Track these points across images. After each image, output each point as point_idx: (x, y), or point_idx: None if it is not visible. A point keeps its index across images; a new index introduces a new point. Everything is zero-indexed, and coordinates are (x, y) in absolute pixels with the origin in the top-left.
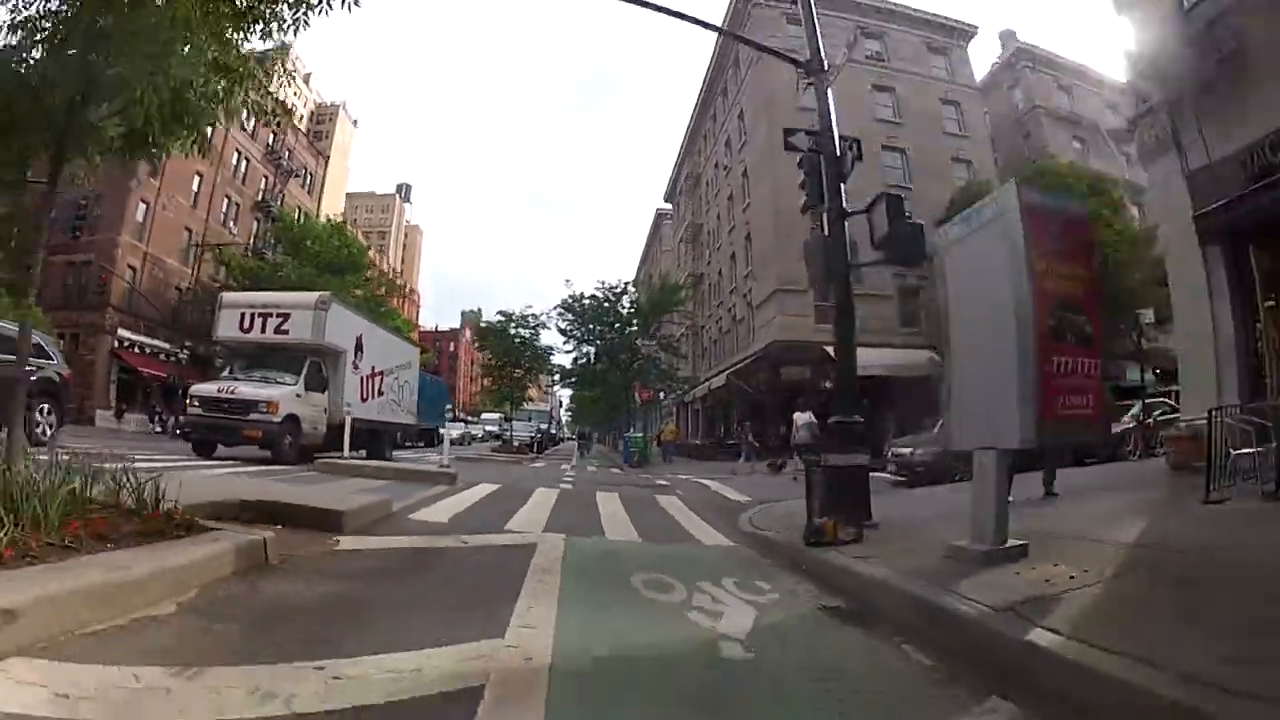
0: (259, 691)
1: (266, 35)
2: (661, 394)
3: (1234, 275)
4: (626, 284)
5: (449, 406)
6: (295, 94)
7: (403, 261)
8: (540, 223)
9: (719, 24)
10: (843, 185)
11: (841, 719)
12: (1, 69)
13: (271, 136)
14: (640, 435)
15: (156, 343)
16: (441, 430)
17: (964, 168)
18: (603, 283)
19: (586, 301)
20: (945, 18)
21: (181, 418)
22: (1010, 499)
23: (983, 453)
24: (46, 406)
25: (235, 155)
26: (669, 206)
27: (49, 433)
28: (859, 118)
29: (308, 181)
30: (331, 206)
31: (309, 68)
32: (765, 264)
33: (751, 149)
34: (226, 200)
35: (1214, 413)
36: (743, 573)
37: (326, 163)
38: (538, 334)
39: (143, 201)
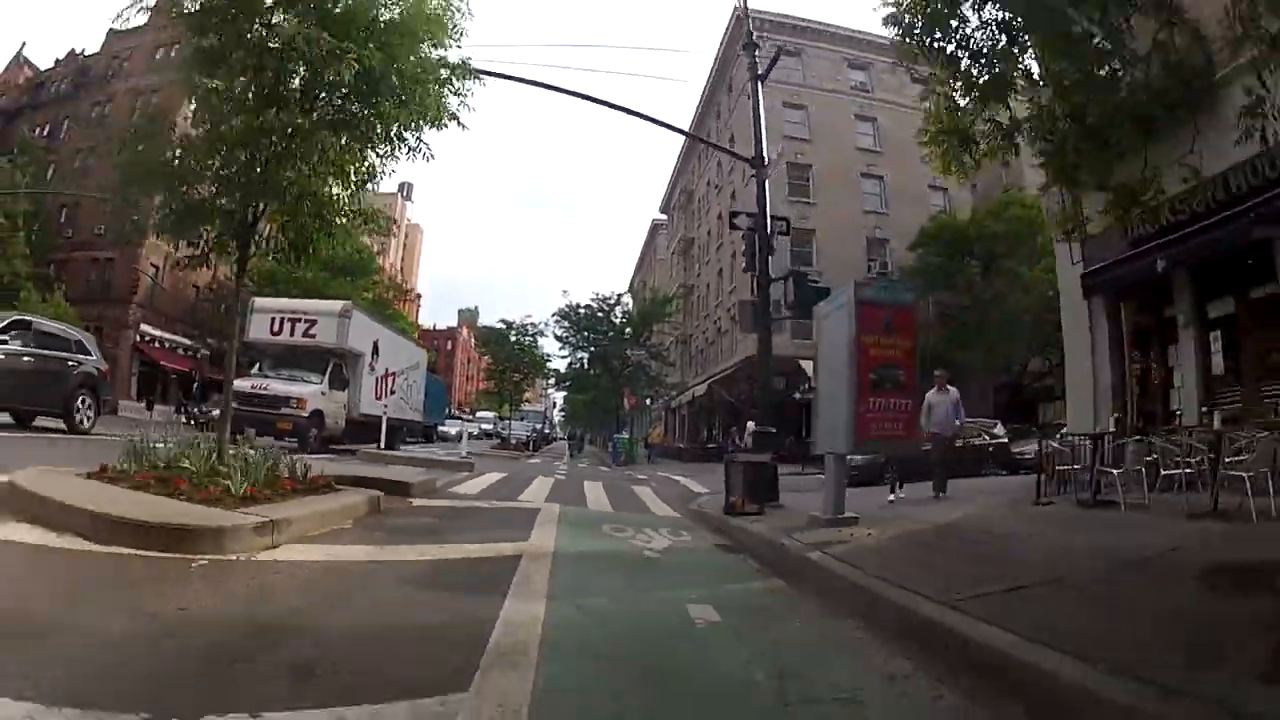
0: (412, 552)
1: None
2: (649, 400)
3: (1113, 328)
4: (619, 295)
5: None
6: None
7: (403, 260)
8: (537, 220)
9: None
10: (770, 258)
11: (695, 577)
12: (189, 174)
13: None
14: (627, 437)
15: (177, 338)
16: (441, 427)
17: (940, 195)
18: (597, 294)
19: (582, 311)
20: None
21: (203, 408)
22: (903, 496)
23: (830, 455)
24: (87, 399)
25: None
26: (664, 218)
27: (90, 421)
28: (842, 148)
29: None
30: None
31: None
32: (748, 282)
33: (739, 173)
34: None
35: (1042, 441)
36: (673, 528)
37: None
38: (536, 341)
39: None
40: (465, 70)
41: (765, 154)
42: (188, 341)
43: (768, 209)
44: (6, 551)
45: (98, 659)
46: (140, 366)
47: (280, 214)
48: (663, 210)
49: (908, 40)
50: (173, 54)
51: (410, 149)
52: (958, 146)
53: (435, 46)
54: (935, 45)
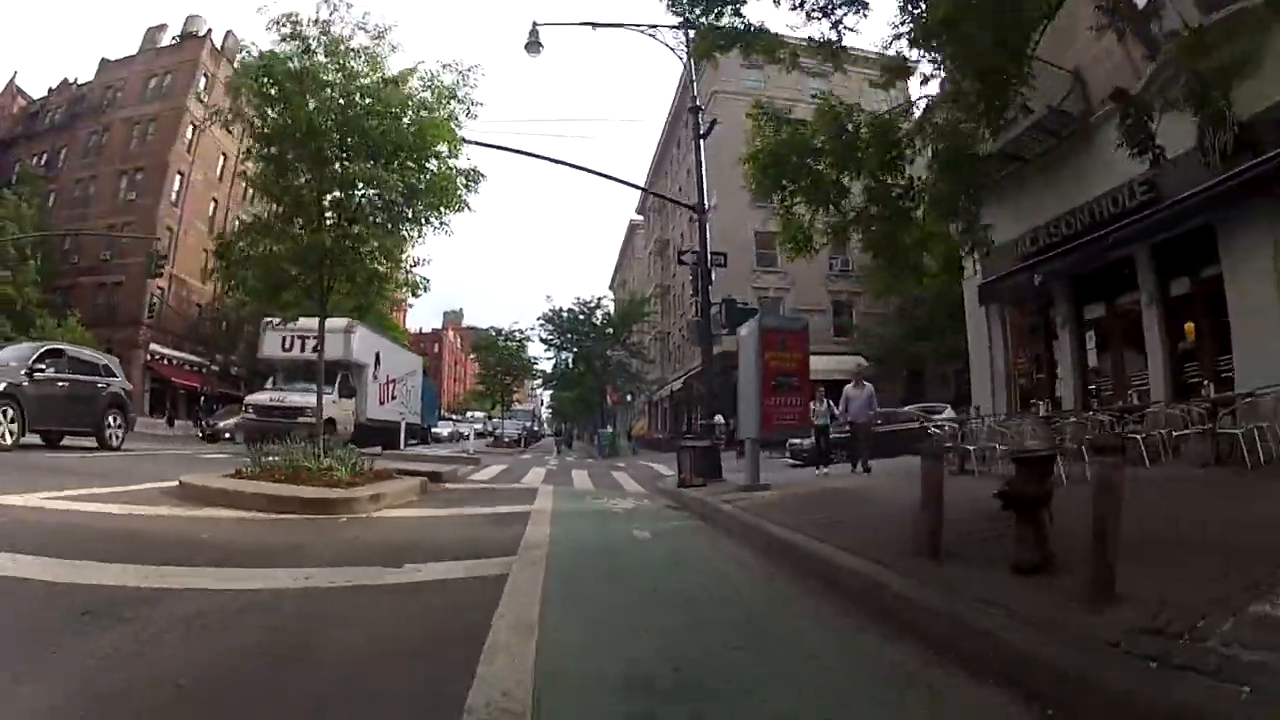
0: (464, 510)
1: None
2: (629, 396)
3: (1005, 328)
4: (600, 298)
5: (438, 407)
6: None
7: None
8: (519, 218)
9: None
10: (710, 286)
11: (644, 521)
12: (283, 259)
13: None
14: (610, 431)
15: (184, 355)
16: (434, 429)
17: None
18: (579, 298)
19: (565, 315)
20: (888, 56)
21: (210, 421)
22: (828, 471)
23: (748, 440)
24: (117, 418)
25: (244, 180)
26: (641, 219)
27: (119, 439)
28: None
29: None
30: None
31: None
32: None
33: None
34: (239, 223)
35: (925, 421)
36: (637, 497)
37: None
38: (524, 346)
39: (168, 229)
40: (475, 175)
41: (706, 201)
42: (194, 358)
43: (709, 247)
44: (225, 522)
45: (332, 556)
46: (151, 384)
47: (347, 287)
48: (639, 211)
49: (762, 183)
50: (208, 125)
51: (435, 229)
52: (803, 243)
53: (451, 155)
54: (784, 184)
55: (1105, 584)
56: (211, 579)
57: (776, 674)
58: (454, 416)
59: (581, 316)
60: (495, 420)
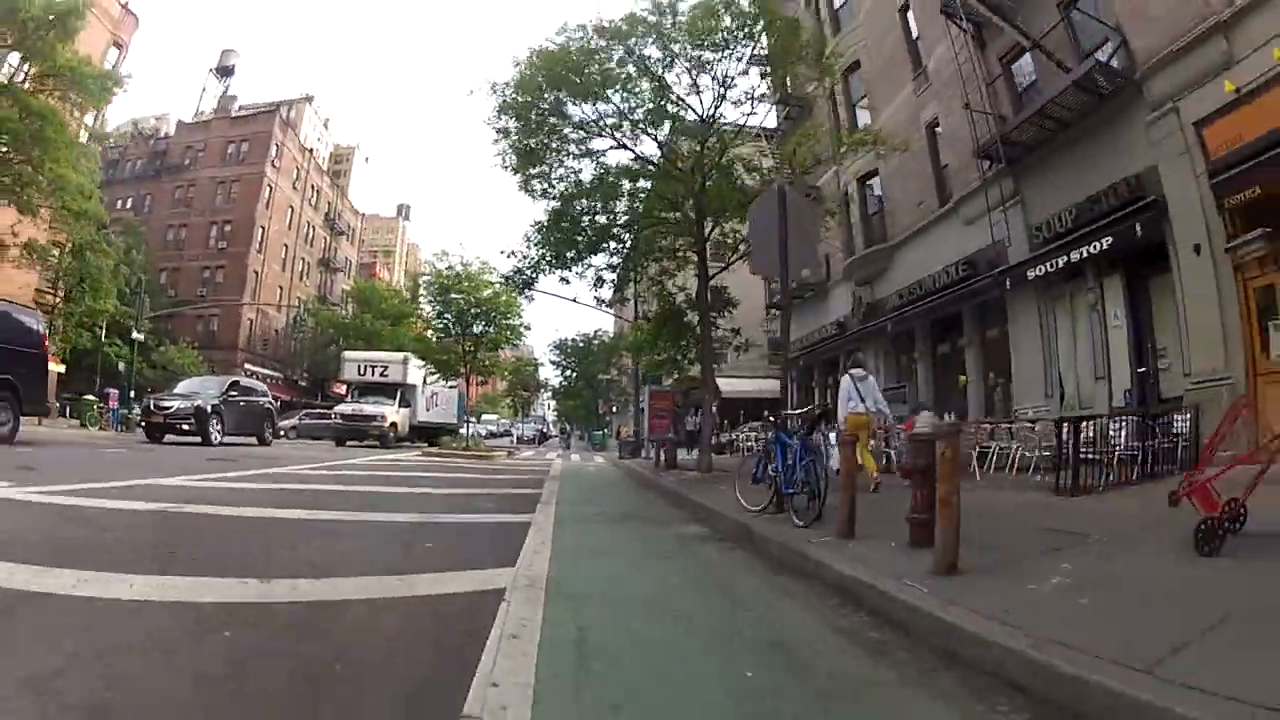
0: (527, 463)
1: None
2: (614, 409)
3: (878, 361)
4: (599, 330)
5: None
6: (319, 139)
7: (405, 278)
8: (519, 221)
9: None
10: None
11: (599, 468)
12: (443, 351)
13: (327, 206)
14: (601, 432)
15: (267, 370)
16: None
17: None
18: (580, 332)
19: (569, 344)
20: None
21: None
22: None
23: (648, 439)
24: (269, 424)
25: (307, 226)
26: None
27: (270, 440)
28: None
29: (352, 236)
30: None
31: (327, 113)
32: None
33: None
34: (303, 261)
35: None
36: (599, 466)
37: (361, 217)
38: (537, 369)
39: (254, 272)
40: (525, 327)
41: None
42: (277, 374)
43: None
44: (456, 459)
45: (503, 469)
46: None
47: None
48: None
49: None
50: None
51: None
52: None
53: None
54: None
55: (846, 524)
56: (474, 469)
57: (630, 496)
58: (470, 419)
59: (582, 345)
60: (504, 422)
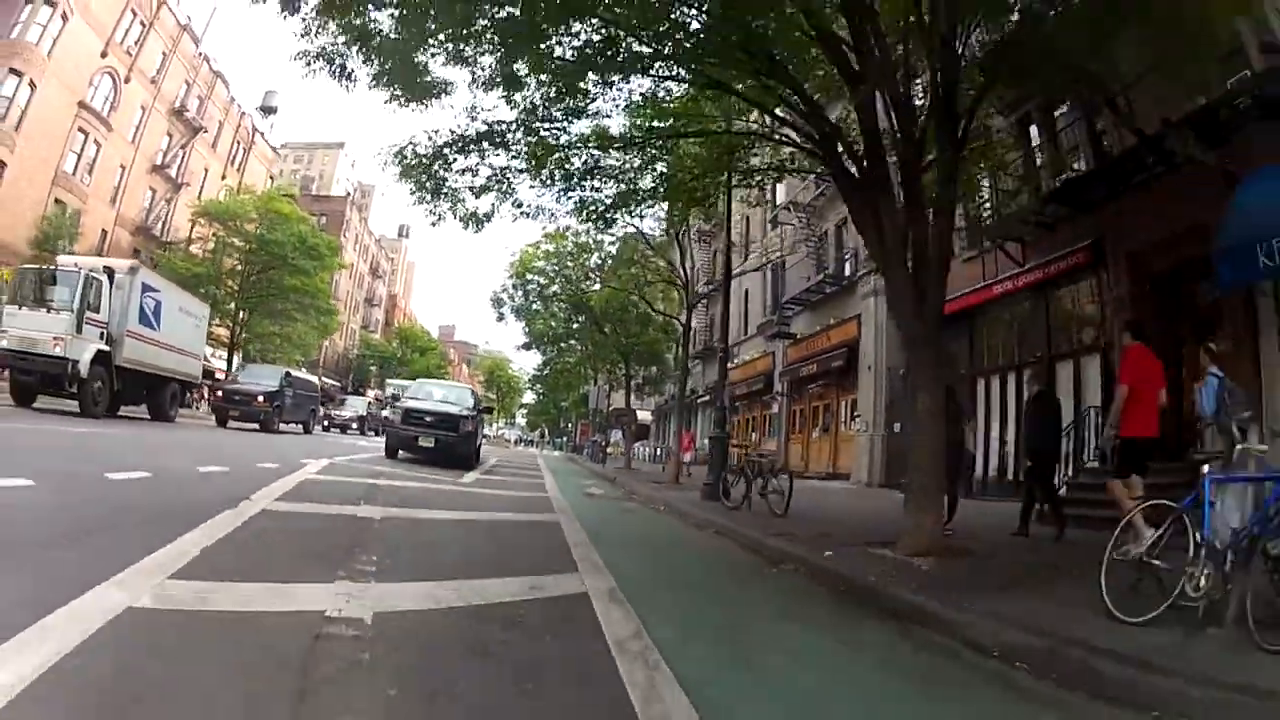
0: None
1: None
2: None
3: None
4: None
5: None
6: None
7: (403, 292)
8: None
9: None
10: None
11: (572, 475)
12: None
13: (369, 258)
14: (563, 439)
15: (333, 382)
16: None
17: None
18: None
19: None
20: None
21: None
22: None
23: (589, 442)
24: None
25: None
26: None
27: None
28: None
29: (385, 277)
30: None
31: (352, 155)
32: None
33: None
34: (352, 298)
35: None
36: (558, 460)
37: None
38: (516, 380)
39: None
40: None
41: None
42: (338, 384)
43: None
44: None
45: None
46: None
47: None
48: None
49: None
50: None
51: None
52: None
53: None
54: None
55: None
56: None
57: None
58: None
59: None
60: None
